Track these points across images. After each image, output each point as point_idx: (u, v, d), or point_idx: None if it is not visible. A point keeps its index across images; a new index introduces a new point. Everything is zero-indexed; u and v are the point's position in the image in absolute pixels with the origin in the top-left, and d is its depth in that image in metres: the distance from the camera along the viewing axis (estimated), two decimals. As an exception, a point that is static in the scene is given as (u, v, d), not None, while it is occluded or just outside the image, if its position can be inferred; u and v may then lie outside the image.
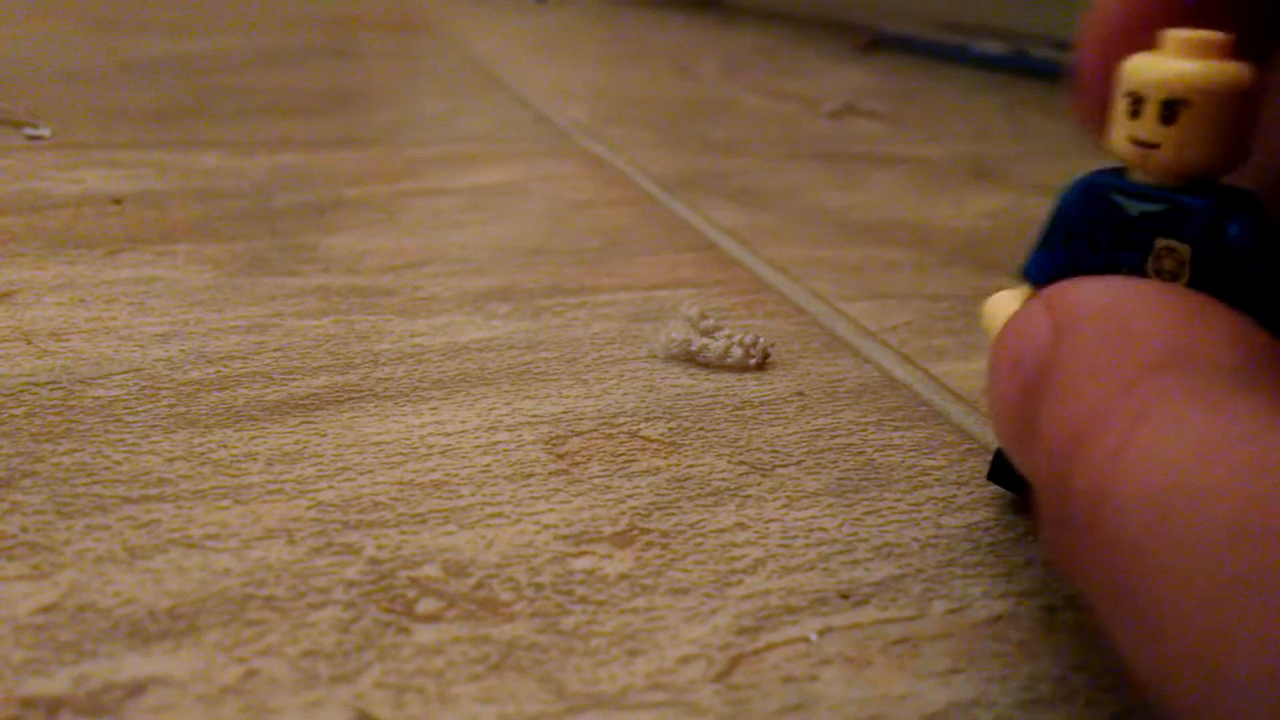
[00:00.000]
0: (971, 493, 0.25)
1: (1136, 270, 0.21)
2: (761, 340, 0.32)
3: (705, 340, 0.32)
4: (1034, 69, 1.08)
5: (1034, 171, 0.61)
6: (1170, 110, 0.19)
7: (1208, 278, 0.20)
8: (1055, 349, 0.18)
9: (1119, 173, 0.21)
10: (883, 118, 0.78)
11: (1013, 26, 1.25)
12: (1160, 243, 0.20)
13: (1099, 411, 0.16)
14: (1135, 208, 0.20)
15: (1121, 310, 0.17)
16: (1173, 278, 0.20)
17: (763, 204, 0.52)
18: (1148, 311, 0.17)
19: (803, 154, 0.64)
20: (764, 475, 0.25)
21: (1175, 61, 0.19)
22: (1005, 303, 0.23)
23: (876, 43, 1.27)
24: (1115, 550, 0.15)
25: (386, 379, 0.30)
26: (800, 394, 0.30)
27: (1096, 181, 0.21)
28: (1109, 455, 0.15)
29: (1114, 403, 0.16)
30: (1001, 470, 0.25)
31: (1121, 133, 0.20)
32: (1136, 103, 0.20)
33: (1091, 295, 0.18)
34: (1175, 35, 0.19)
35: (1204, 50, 0.19)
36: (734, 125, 0.73)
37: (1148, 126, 0.19)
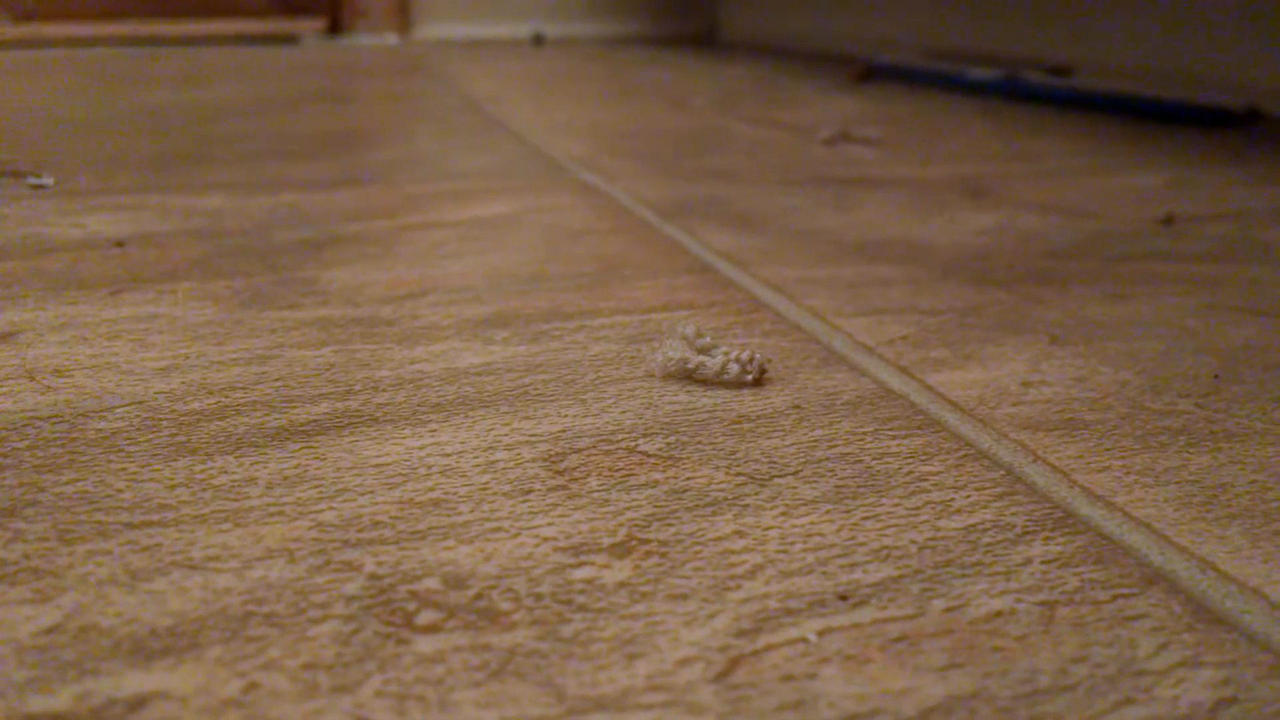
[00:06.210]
0: (969, 496, 0.25)
1: None
2: (758, 356, 0.32)
3: (702, 358, 0.32)
4: (1026, 93, 1.09)
5: (1026, 191, 0.61)
6: None
7: None
8: None
9: None
10: (877, 143, 0.79)
11: (1005, 52, 1.27)
12: None
13: None
14: None
15: None
16: None
17: (758, 227, 0.52)
18: None
19: (797, 179, 0.65)
20: (762, 485, 0.25)
21: None
22: None
23: (870, 73, 1.29)
24: None
25: (386, 404, 0.30)
26: (797, 407, 0.30)
27: None
28: None
29: None
30: None
31: None
32: None
33: None
34: None
35: None
36: (728, 154, 0.74)
37: None
